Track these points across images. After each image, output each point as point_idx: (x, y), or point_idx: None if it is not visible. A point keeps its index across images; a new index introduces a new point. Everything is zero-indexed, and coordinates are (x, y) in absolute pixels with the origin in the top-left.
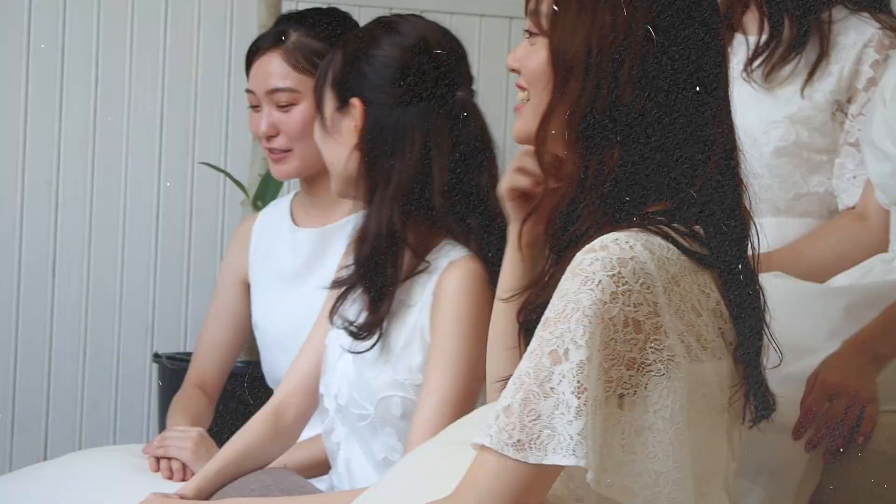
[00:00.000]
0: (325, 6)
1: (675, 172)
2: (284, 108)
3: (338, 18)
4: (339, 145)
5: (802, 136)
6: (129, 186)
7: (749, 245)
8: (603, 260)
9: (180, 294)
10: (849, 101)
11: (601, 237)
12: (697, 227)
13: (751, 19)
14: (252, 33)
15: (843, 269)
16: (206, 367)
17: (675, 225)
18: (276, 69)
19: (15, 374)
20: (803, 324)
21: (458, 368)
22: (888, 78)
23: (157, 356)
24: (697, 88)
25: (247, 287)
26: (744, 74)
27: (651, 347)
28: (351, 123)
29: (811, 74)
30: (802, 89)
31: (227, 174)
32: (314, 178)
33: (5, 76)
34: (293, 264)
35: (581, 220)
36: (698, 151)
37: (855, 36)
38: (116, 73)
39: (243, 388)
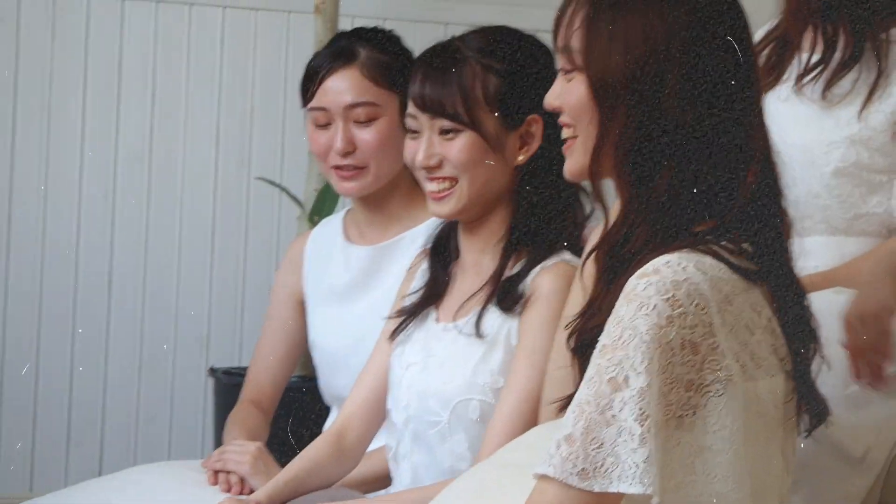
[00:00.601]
0: (378, 24)
1: (718, 189)
2: (363, 123)
3: (395, 36)
4: (503, 166)
5: (863, 156)
6: (186, 201)
7: (792, 258)
8: (657, 284)
9: (236, 308)
10: None
11: (653, 261)
12: (745, 243)
13: (808, 36)
14: (308, 50)
15: None
16: (262, 384)
17: (723, 243)
18: (354, 84)
19: (71, 388)
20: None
21: (543, 367)
22: None
23: (212, 370)
24: (734, 102)
25: (301, 305)
26: (794, 89)
27: (708, 368)
28: (518, 142)
29: (871, 94)
30: (861, 110)
31: (284, 189)
32: (373, 194)
33: (64, 90)
34: (347, 282)
35: (631, 243)
36: (740, 166)
37: None
38: (173, 88)
39: (300, 404)
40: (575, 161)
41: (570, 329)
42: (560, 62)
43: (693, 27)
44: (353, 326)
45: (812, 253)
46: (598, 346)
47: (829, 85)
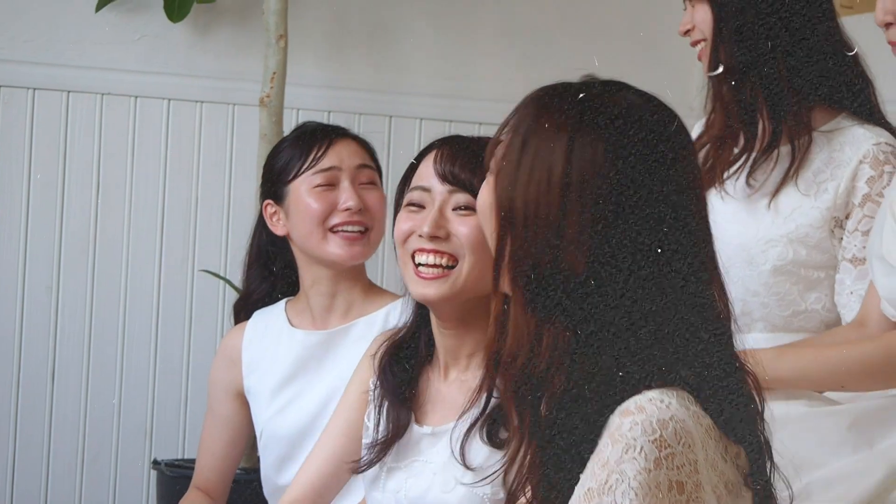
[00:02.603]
0: (323, 117)
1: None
2: (368, 186)
3: None
4: None
5: (800, 254)
6: (129, 293)
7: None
8: (643, 423)
9: (179, 400)
10: (846, 216)
11: (634, 397)
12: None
13: (740, 133)
14: (253, 142)
15: (840, 372)
16: (209, 474)
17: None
18: (358, 150)
19: (13, 479)
20: (807, 441)
21: None
22: None
23: (155, 462)
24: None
25: (241, 398)
26: (716, 187)
27: None
28: None
29: (805, 191)
30: (797, 207)
31: (228, 281)
32: (345, 271)
33: (8, 181)
34: (296, 368)
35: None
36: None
37: (850, 152)
38: (118, 180)
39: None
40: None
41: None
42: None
43: (615, 161)
44: (307, 410)
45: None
46: (582, 488)
47: (751, 175)
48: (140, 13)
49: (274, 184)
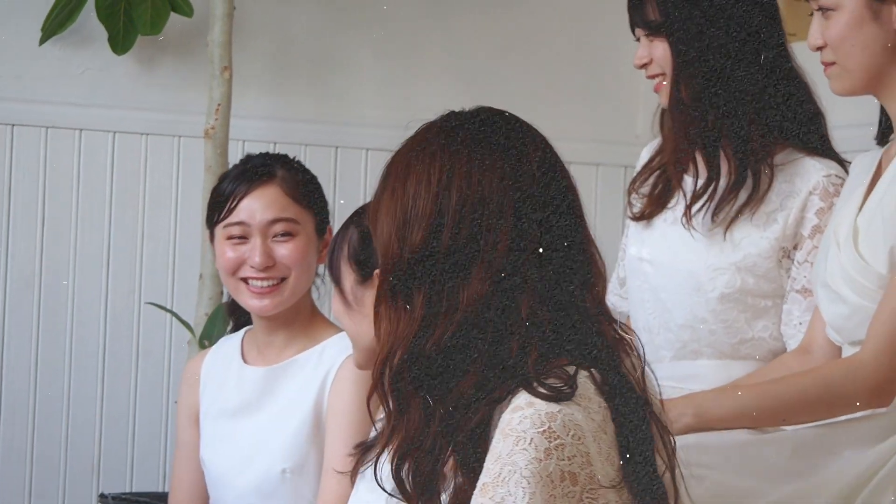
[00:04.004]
0: (268, 148)
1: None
2: (281, 239)
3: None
4: (364, 317)
5: (748, 282)
6: (76, 325)
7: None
8: (532, 417)
9: (127, 433)
10: (795, 247)
11: (523, 395)
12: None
13: (691, 164)
14: (198, 174)
15: (780, 407)
16: (185, 501)
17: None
18: (275, 200)
19: None
20: (750, 469)
21: None
22: (841, 219)
23: (102, 496)
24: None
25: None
26: (683, 220)
27: (587, 497)
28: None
29: (739, 213)
30: (746, 237)
31: (174, 314)
32: (280, 313)
33: None
34: (238, 403)
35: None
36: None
37: (800, 183)
38: (63, 213)
39: None
40: None
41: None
42: None
43: (470, 187)
44: (241, 447)
45: (700, 376)
46: (479, 484)
47: (716, 212)
48: (84, 46)
49: (208, 220)
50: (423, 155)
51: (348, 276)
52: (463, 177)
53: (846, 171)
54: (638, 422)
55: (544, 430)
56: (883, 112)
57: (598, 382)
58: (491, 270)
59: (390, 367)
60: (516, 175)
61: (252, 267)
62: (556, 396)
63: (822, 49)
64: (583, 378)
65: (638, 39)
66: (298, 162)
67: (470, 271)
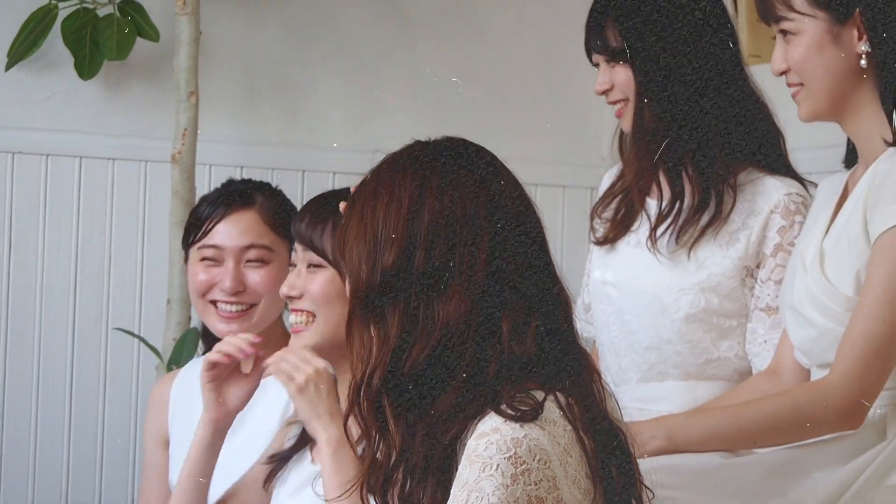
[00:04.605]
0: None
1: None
2: (254, 265)
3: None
4: None
5: (712, 302)
6: (43, 351)
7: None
8: (498, 443)
9: (94, 458)
10: (758, 266)
11: (489, 419)
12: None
13: (654, 186)
14: (165, 198)
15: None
16: None
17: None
18: (251, 226)
19: None
20: (722, 492)
21: None
22: (807, 242)
23: None
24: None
25: (168, 446)
26: (647, 243)
27: None
28: None
29: (702, 234)
30: (710, 257)
31: (142, 339)
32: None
33: None
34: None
35: (454, 407)
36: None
37: (762, 202)
38: (30, 238)
39: None
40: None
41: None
42: None
43: (437, 208)
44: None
45: (667, 398)
46: None
47: (681, 233)
48: (50, 71)
49: (184, 240)
50: (392, 179)
51: None
52: (435, 196)
53: (807, 191)
54: (604, 444)
55: (510, 456)
56: None
57: (563, 406)
58: (470, 289)
59: (368, 390)
60: (489, 195)
61: (222, 290)
62: (522, 417)
63: (785, 73)
64: (549, 401)
65: (596, 65)
66: (279, 191)
67: (446, 291)
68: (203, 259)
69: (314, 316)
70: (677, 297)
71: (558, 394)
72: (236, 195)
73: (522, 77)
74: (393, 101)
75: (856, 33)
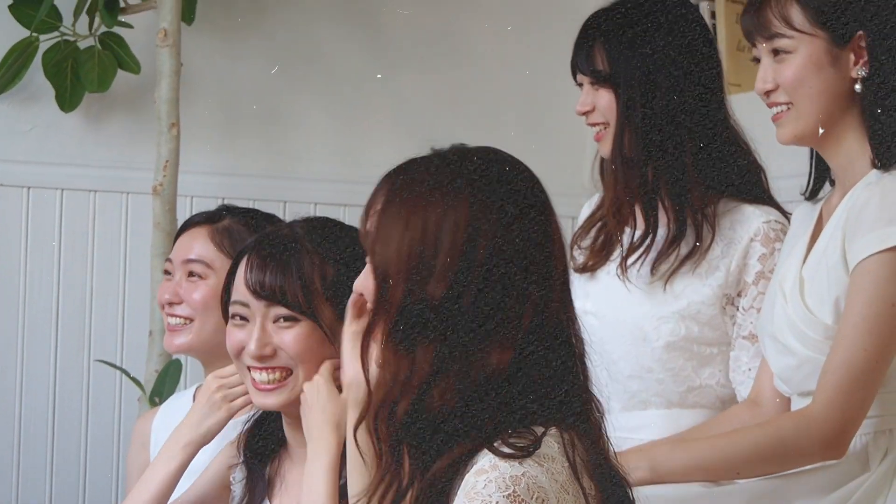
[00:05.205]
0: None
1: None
2: (190, 278)
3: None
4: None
5: (692, 330)
6: (25, 383)
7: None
8: (496, 480)
9: (77, 491)
10: (738, 294)
11: (487, 457)
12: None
13: (630, 216)
14: (147, 230)
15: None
16: None
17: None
18: (199, 242)
19: None
20: None
21: None
22: (785, 271)
23: None
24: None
25: None
26: (618, 272)
27: None
28: None
29: (696, 272)
30: (687, 286)
31: (124, 371)
32: (213, 362)
33: None
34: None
35: (452, 439)
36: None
37: (741, 230)
38: (11, 270)
39: None
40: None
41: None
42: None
43: (478, 218)
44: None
45: (650, 426)
46: None
47: (655, 265)
48: (31, 103)
49: None
50: (444, 193)
51: (326, 312)
52: (490, 234)
53: (786, 218)
54: (601, 479)
55: (509, 494)
56: (818, 166)
57: (563, 442)
58: (515, 343)
59: (390, 415)
60: (543, 236)
61: (166, 302)
62: (516, 456)
63: (771, 93)
64: (548, 437)
65: (580, 85)
66: (257, 217)
67: (488, 339)
68: (165, 272)
69: (289, 371)
70: (657, 326)
71: (558, 430)
72: (206, 214)
73: (504, 106)
74: (375, 130)
75: (852, 57)
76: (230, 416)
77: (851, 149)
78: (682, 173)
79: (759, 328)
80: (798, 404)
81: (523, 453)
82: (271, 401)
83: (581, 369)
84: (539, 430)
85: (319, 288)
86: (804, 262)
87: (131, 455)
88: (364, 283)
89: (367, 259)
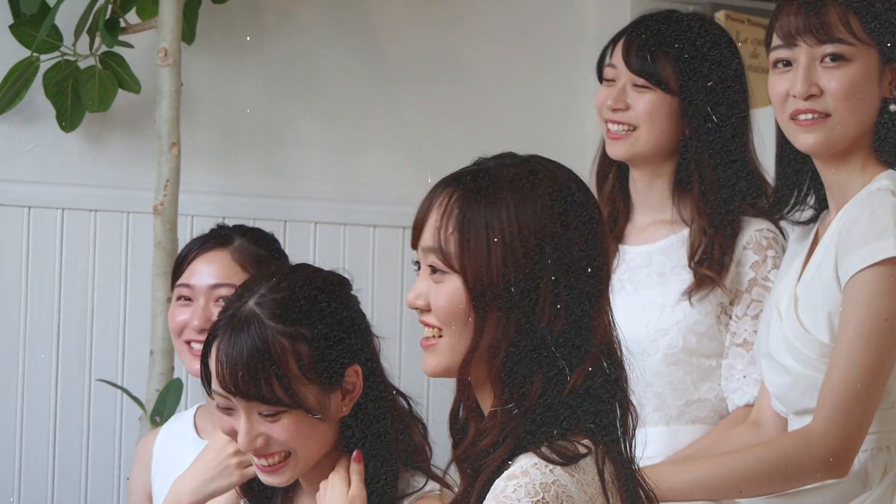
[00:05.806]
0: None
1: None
2: (221, 304)
3: (272, 236)
4: (325, 427)
5: (691, 342)
6: (26, 403)
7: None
8: (526, 486)
9: None
10: (732, 302)
11: (520, 461)
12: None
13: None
14: (147, 250)
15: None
16: None
17: (584, 442)
18: (222, 266)
19: None
20: None
21: None
22: (781, 289)
23: None
24: (592, 302)
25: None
26: (618, 284)
27: None
28: (339, 396)
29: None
30: (689, 296)
31: (125, 390)
32: None
33: None
34: None
35: (501, 447)
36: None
37: (735, 240)
38: (11, 290)
39: None
40: (438, 361)
41: None
42: (422, 259)
43: (562, 220)
44: None
45: (649, 443)
46: None
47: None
48: (32, 123)
49: (171, 284)
50: (531, 195)
51: (310, 394)
52: (578, 250)
53: (780, 231)
54: (628, 493)
55: (538, 500)
56: (811, 184)
57: (595, 454)
58: (592, 361)
59: (498, 359)
60: (598, 243)
61: (192, 329)
62: (557, 461)
63: (812, 98)
64: (584, 449)
65: (606, 80)
66: (266, 236)
67: (582, 361)
68: (179, 298)
69: (288, 454)
70: (655, 339)
71: (591, 441)
72: (213, 236)
73: (503, 123)
74: (375, 149)
75: (889, 75)
76: (241, 482)
77: (854, 167)
78: (711, 187)
79: (757, 348)
80: (794, 423)
81: (566, 461)
82: (279, 480)
83: (622, 378)
84: (583, 447)
85: (297, 372)
86: (799, 279)
87: (133, 475)
88: (434, 298)
89: (434, 273)
